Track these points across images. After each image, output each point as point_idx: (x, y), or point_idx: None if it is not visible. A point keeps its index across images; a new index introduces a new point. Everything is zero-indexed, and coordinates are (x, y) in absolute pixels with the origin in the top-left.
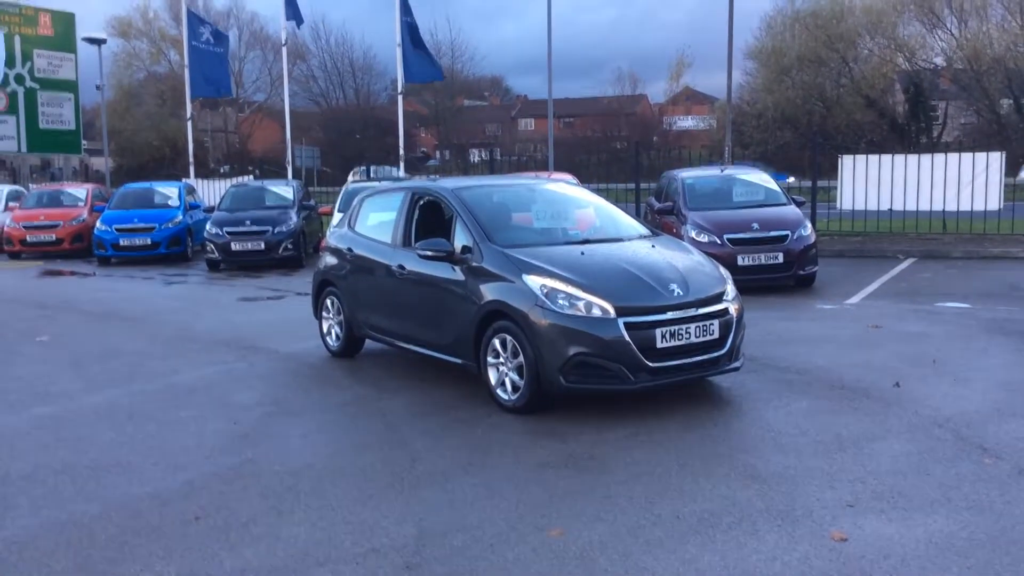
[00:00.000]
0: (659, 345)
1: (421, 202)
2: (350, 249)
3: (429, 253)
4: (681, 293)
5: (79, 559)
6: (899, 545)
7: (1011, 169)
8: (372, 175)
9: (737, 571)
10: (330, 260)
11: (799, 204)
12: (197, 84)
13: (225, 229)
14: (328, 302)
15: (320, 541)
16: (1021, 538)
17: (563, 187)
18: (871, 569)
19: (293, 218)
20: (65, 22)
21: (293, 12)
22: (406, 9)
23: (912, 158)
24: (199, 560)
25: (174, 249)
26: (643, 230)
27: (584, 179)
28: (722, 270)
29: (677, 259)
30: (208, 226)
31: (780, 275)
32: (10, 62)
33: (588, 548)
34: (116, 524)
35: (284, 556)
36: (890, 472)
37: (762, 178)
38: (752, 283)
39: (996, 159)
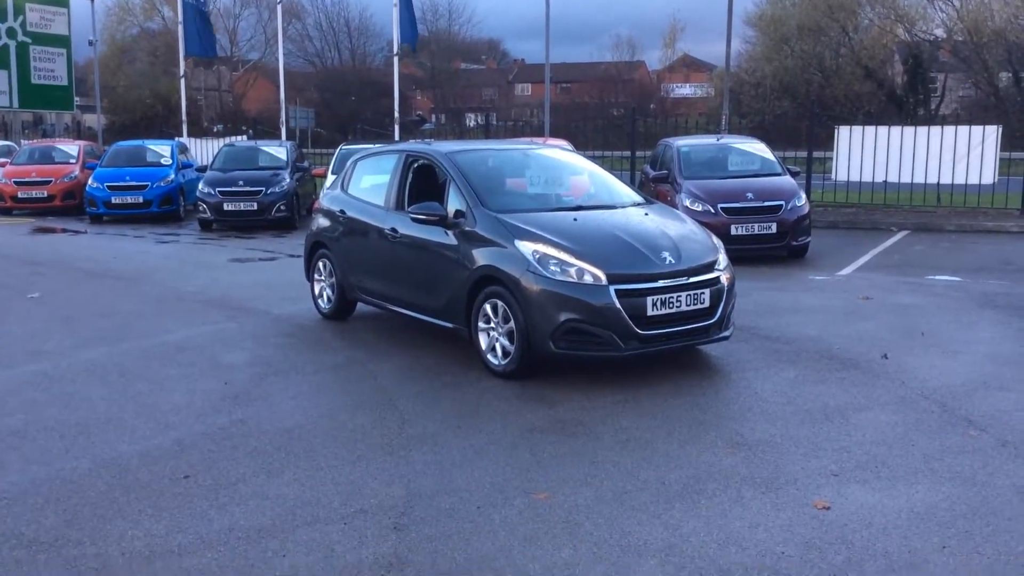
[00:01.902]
0: (650, 313)
1: (415, 165)
2: (343, 211)
3: (422, 217)
4: (673, 261)
5: (68, 515)
6: (881, 514)
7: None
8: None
9: (721, 536)
10: (323, 222)
11: (794, 174)
12: (191, 42)
13: (218, 189)
14: (320, 264)
15: (308, 501)
16: (1002, 509)
17: (558, 153)
18: (853, 537)
19: (286, 179)
20: None
21: None
22: None
23: (908, 130)
24: (188, 518)
25: (166, 208)
26: (637, 198)
27: (580, 146)
28: (714, 239)
29: (670, 227)
30: (200, 185)
31: (773, 245)
32: (1, 16)
33: (574, 512)
34: (105, 481)
35: (272, 516)
36: (874, 442)
37: (758, 148)
38: (745, 253)
39: (992, 132)
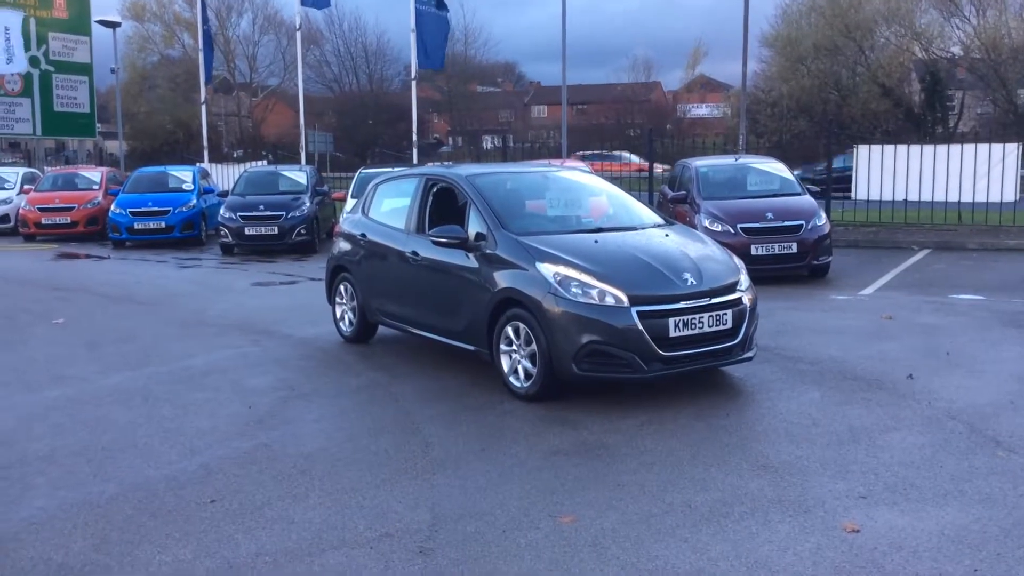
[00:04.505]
0: (672, 334)
1: (435, 189)
2: (364, 235)
3: (443, 240)
4: (695, 283)
5: (96, 540)
6: (911, 537)
7: None
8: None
9: (749, 561)
10: (344, 246)
11: (814, 194)
12: (211, 68)
13: (239, 213)
14: (342, 288)
15: (334, 525)
16: None
17: (577, 175)
18: (883, 560)
19: (307, 203)
20: (80, 4)
21: None
22: None
23: (928, 148)
24: (214, 542)
25: (188, 233)
26: (657, 219)
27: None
28: (736, 260)
29: (691, 248)
30: (222, 210)
31: (794, 265)
32: (25, 45)
33: (600, 536)
34: (132, 506)
35: (298, 539)
36: (902, 464)
37: (777, 167)
38: (766, 273)
39: (1012, 150)
